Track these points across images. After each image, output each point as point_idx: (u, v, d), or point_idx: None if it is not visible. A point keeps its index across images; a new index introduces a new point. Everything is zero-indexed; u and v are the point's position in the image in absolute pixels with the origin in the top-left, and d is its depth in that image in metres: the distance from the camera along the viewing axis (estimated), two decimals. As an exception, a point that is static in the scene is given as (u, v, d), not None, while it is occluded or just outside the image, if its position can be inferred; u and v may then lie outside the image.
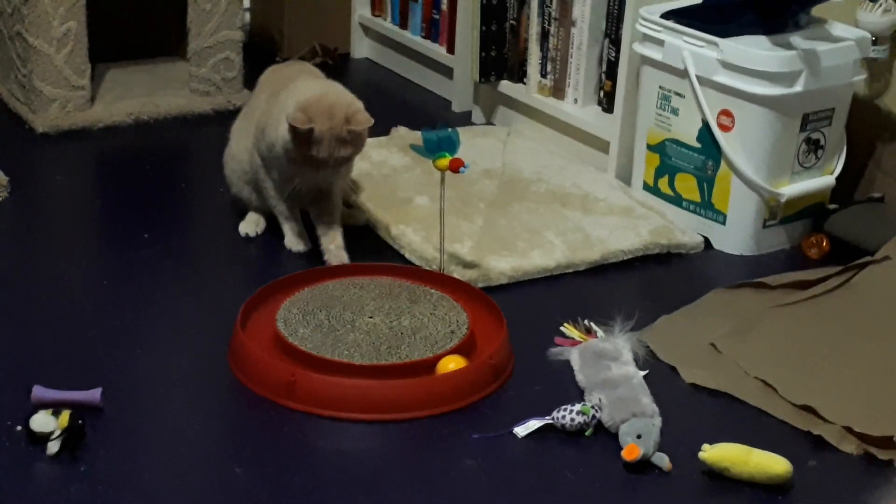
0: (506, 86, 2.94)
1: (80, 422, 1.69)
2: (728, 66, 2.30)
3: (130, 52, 3.14)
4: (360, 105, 2.15)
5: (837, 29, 2.41)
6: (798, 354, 1.99)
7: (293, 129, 2.09)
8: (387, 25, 3.35)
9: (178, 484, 1.66)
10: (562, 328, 2.03)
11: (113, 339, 1.99)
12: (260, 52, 3.37)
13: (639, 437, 1.73)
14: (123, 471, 1.67)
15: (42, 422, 1.69)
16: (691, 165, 2.43)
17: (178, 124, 2.93)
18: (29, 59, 2.80)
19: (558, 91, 2.83)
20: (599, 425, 1.79)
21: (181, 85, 3.01)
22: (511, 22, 2.91)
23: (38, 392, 1.77)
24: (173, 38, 3.13)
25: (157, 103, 2.94)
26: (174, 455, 1.72)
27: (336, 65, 3.37)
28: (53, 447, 1.68)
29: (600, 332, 1.99)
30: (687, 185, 2.45)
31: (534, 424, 1.79)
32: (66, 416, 1.69)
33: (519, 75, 2.93)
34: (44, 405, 1.74)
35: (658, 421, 1.77)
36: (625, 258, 2.32)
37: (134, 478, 1.66)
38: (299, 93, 2.15)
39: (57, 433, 1.68)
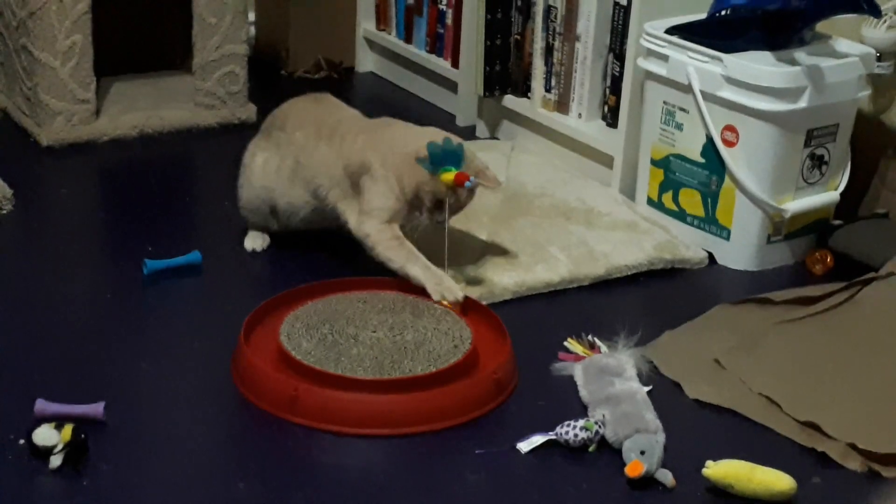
0: (510, 100, 2.95)
1: (82, 436, 1.69)
2: (732, 82, 2.31)
3: (135, 65, 3.15)
4: (484, 161, 2.17)
5: (842, 45, 2.41)
6: (802, 370, 1.99)
7: (460, 183, 2.05)
8: (391, 40, 3.36)
9: (181, 498, 1.65)
10: (565, 343, 2.03)
11: (116, 352, 1.99)
12: (265, 66, 3.38)
13: (642, 453, 1.72)
14: (126, 485, 1.66)
15: (45, 435, 1.68)
16: (695, 181, 2.43)
17: (182, 138, 2.93)
18: (34, 72, 2.80)
19: (562, 106, 2.83)
20: (603, 441, 1.79)
21: (186, 98, 3.02)
22: (515, 37, 2.92)
23: (41, 405, 1.77)
24: (178, 51, 3.14)
25: (162, 117, 2.95)
26: (177, 469, 1.71)
27: (341, 79, 3.38)
28: (56, 461, 1.67)
29: (604, 348, 1.99)
30: (691, 201, 2.45)
31: (537, 440, 1.78)
32: (68, 429, 1.68)
33: (523, 90, 2.93)
34: (46, 419, 1.74)
35: (662, 437, 1.77)
36: (629, 273, 2.32)
37: (136, 492, 1.65)
38: (425, 138, 2.11)
39: (59, 447, 1.68)
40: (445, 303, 2.06)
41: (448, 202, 2.12)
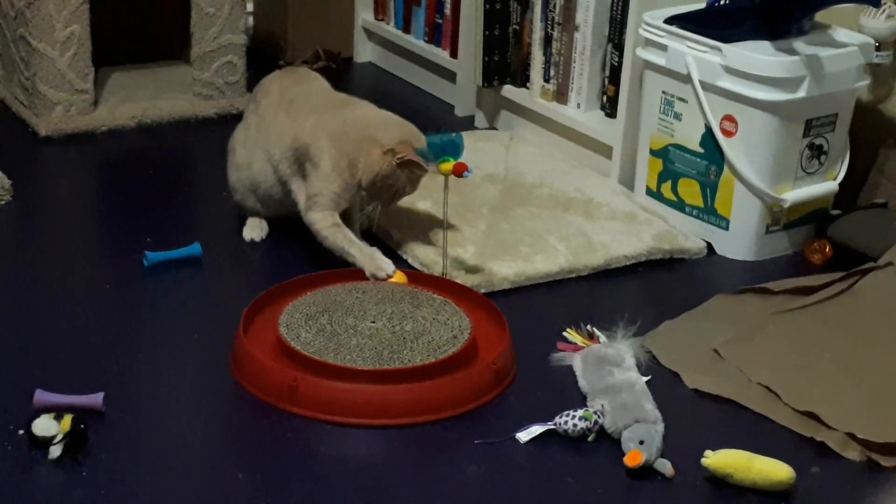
0: (509, 90, 2.94)
1: (82, 426, 1.69)
2: (731, 72, 2.30)
3: (134, 55, 3.14)
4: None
5: (841, 34, 2.41)
6: (801, 360, 1.99)
7: (402, 165, 2.10)
8: (390, 30, 3.35)
9: (180, 489, 1.66)
10: (564, 333, 2.03)
11: (115, 343, 1.99)
12: (263, 56, 3.37)
13: (641, 442, 1.72)
14: (125, 475, 1.66)
15: (44, 426, 1.69)
16: (694, 171, 2.43)
17: (181, 128, 2.93)
18: (32, 62, 2.80)
19: (561, 96, 2.83)
20: (602, 431, 1.79)
21: (184, 89, 3.01)
22: (514, 26, 2.92)
23: (41, 396, 1.77)
24: (177, 41, 3.13)
25: (161, 107, 2.94)
26: (176, 460, 1.71)
27: (339, 69, 3.37)
28: (55, 451, 1.68)
29: (603, 338, 1.99)
30: (690, 191, 2.45)
31: (536, 430, 1.78)
32: (68, 420, 1.69)
33: (522, 80, 2.93)
34: (46, 409, 1.74)
35: (661, 427, 1.77)
36: (628, 263, 2.32)
37: (136, 482, 1.66)
38: (389, 129, 2.15)
39: (59, 437, 1.68)
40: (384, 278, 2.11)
41: (402, 190, 2.16)
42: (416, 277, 2.16)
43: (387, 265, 2.12)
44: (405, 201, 2.43)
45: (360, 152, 2.15)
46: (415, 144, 2.14)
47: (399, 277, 2.11)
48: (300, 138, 2.20)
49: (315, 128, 2.19)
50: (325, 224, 2.17)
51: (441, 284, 2.13)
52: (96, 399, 1.78)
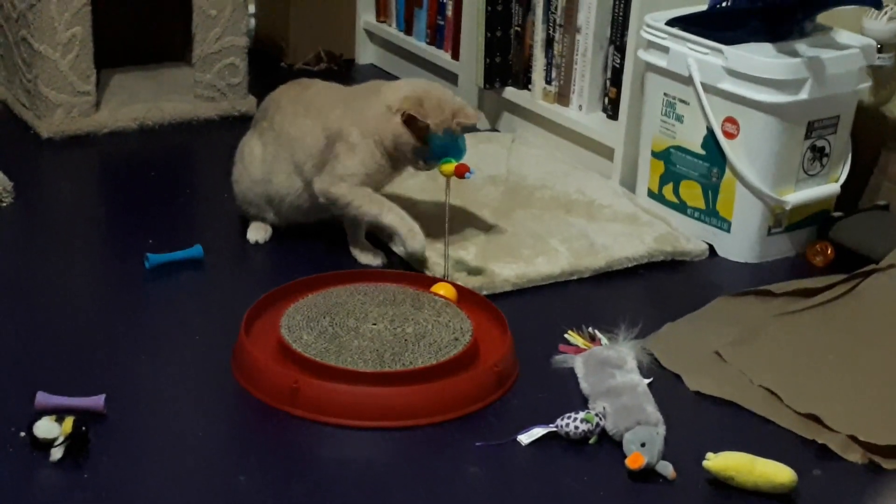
0: (510, 92, 2.94)
1: (83, 428, 1.69)
2: (733, 74, 2.30)
3: (135, 57, 3.14)
4: (462, 100, 2.20)
5: (843, 36, 2.41)
6: (803, 363, 1.99)
7: (409, 123, 2.12)
8: (392, 31, 3.35)
9: (182, 491, 1.66)
10: (566, 336, 2.03)
11: (117, 345, 1.99)
12: (265, 58, 3.37)
13: (643, 445, 1.72)
14: (126, 478, 1.66)
15: (45, 428, 1.68)
16: (696, 173, 2.43)
17: (182, 130, 2.93)
18: (34, 64, 2.80)
19: (563, 98, 2.82)
20: (603, 433, 1.79)
21: (186, 90, 3.01)
22: (516, 28, 2.92)
23: (42, 398, 1.77)
24: (178, 43, 3.13)
25: (162, 109, 2.94)
26: (177, 462, 1.71)
27: (341, 71, 3.37)
28: (57, 453, 1.68)
29: (604, 340, 1.99)
30: (692, 193, 2.44)
31: (538, 432, 1.78)
32: (69, 422, 1.68)
33: (524, 82, 2.93)
34: (47, 411, 1.74)
35: (662, 429, 1.77)
36: (629, 265, 2.32)
37: (137, 485, 1.65)
38: (399, 90, 2.18)
39: (60, 439, 1.68)
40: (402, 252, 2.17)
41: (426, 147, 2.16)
42: (418, 279, 2.16)
43: (421, 237, 2.15)
44: (406, 202, 2.44)
45: (379, 124, 2.16)
46: (423, 99, 2.14)
47: (448, 291, 2.07)
48: (329, 126, 2.20)
49: (342, 116, 2.20)
50: (358, 193, 2.17)
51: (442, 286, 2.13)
52: (98, 401, 1.78)
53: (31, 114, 2.87)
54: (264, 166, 2.30)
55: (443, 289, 2.08)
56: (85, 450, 1.69)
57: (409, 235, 2.16)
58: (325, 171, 2.21)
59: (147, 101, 2.96)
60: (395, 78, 3.33)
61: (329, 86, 2.34)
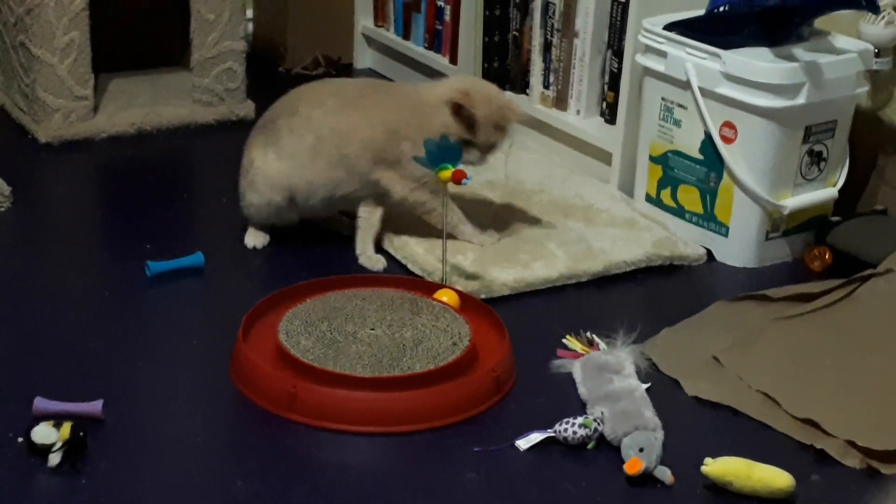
0: (509, 97, 2.94)
1: (81, 434, 1.69)
2: (731, 78, 2.30)
3: (133, 62, 3.14)
4: (509, 97, 2.26)
5: (840, 41, 2.41)
6: (801, 368, 1.99)
7: (458, 113, 2.18)
8: (390, 36, 3.36)
9: (180, 496, 1.65)
10: (564, 340, 2.03)
11: (115, 350, 1.99)
12: (263, 63, 3.37)
13: (641, 450, 1.72)
14: (125, 483, 1.66)
15: (43, 433, 1.68)
16: (694, 177, 2.43)
17: (180, 134, 2.93)
18: (32, 69, 2.80)
19: (561, 102, 2.83)
20: (602, 438, 1.79)
21: (184, 95, 3.01)
22: (514, 33, 2.92)
23: (40, 403, 1.77)
24: (176, 48, 3.13)
25: (160, 113, 2.94)
26: (175, 467, 1.71)
27: (339, 75, 3.37)
28: (55, 459, 1.67)
29: (602, 345, 1.99)
30: (689, 197, 2.45)
31: (536, 437, 1.78)
32: (67, 427, 1.68)
33: (522, 86, 2.93)
34: (45, 417, 1.73)
35: (660, 434, 1.77)
36: (627, 270, 2.32)
37: (135, 490, 1.65)
38: (449, 85, 2.27)
39: (58, 445, 1.68)
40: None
41: (475, 141, 2.22)
42: (416, 284, 2.16)
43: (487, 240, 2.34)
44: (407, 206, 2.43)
45: (427, 121, 2.22)
46: (471, 91, 2.20)
47: (451, 298, 2.08)
48: (389, 120, 2.24)
49: (398, 112, 2.25)
50: (438, 201, 2.24)
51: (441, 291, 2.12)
52: (96, 406, 1.78)
53: (28, 118, 2.87)
54: (290, 162, 2.28)
55: (446, 295, 2.08)
56: (83, 455, 1.69)
57: (481, 241, 2.33)
58: (396, 173, 2.25)
59: (145, 105, 2.96)
60: (394, 82, 3.35)
61: (367, 82, 2.39)
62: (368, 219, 2.31)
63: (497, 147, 2.28)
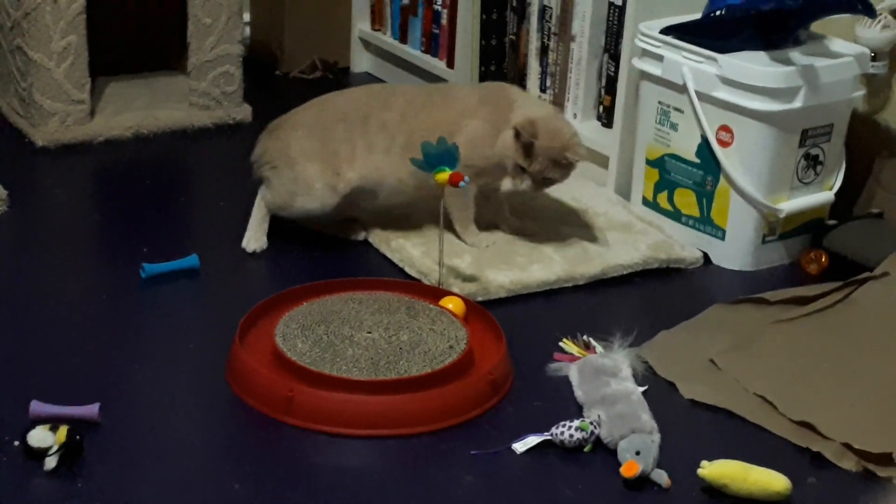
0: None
1: (77, 437, 1.69)
2: (727, 82, 2.31)
3: (130, 65, 3.15)
4: (579, 137, 2.27)
5: (836, 45, 2.41)
6: (797, 371, 1.99)
7: (517, 138, 2.19)
8: (387, 40, 3.36)
9: (176, 500, 1.65)
10: (561, 343, 2.03)
11: (111, 353, 1.99)
12: (260, 67, 3.37)
13: (638, 453, 1.72)
14: (121, 486, 1.66)
15: (40, 437, 1.68)
16: (690, 181, 2.43)
17: (177, 138, 2.93)
18: (29, 72, 2.80)
19: (558, 106, 2.83)
20: (598, 441, 1.79)
21: (181, 99, 3.01)
22: (511, 37, 2.92)
23: (36, 407, 1.77)
24: (173, 51, 3.13)
25: (157, 117, 2.94)
26: (172, 471, 1.71)
27: (336, 79, 3.38)
28: (51, 462, 1.67)
29: (599, 348, 1.99)
30: (686, 201, 2.45)
31: (532, 440, 1.78)
32: (63, 431, 1.68)
33: (518, 90, 2.93)
34: (42, 420, 1.73)
35: (657, 437, 1.77)
36: (624, 273, 2.32)
37: (132, 493, 1.65)
38: (530, 109, 2.30)
39: (55, 448, 1.67)
40: None
41: (529, 170, 2.22)
42: (412, 287, 2.16)
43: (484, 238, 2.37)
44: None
45: (505, 136, 2.27)
46: (539, 122, 2.22)
47: (456, 305, 2.07)
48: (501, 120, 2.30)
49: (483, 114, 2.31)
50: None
51: (437, 294, 2.13)
52: (92, 410, 1.78)
53: (25, 122, 2.87)
54: (384, 157, 2.29)
55: (451, 303, 2.07)
56: (79, 459, 1.69)
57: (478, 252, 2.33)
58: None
59: (142, 109, 2.96)
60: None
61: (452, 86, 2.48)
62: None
63: (553, 183, 2.28)
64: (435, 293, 2.13)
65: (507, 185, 2.27)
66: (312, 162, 2.30)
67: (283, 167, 2.32)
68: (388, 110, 2.33)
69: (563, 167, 2.24)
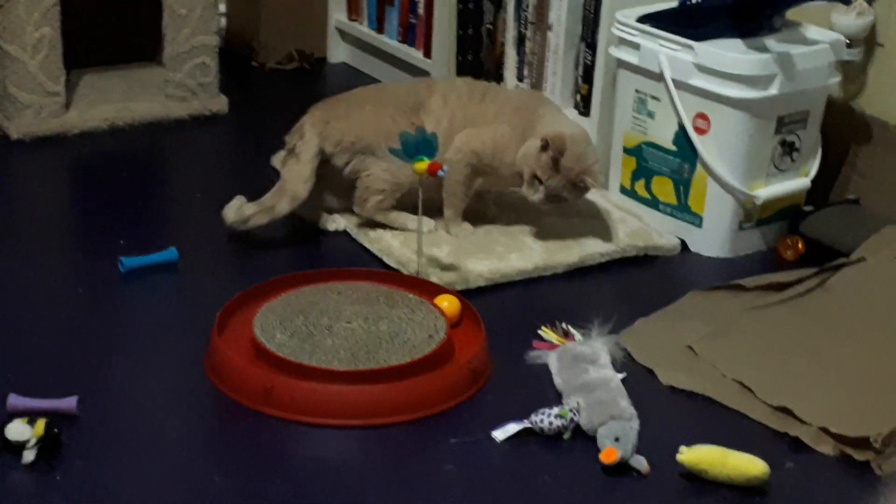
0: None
1: (55, 430, 1.68)
2: (703, 70, 2.31)
3: (105, 57, 3.13)
4: (599, 164, 2.28)
5: (812, 32, 2.42)
6: (774, 356, 2.00)
7: (544, 149, 2.20)
8: (363, 30, 3.35)
9: (156, 492, 1.65)
10: (540, 332, 2.04)
11: (89, 346, 1.98)
12: (236, 58, 3.36)
13: (617, 439, 1.73)
14: (100, 479, 1.66)
15: (17, 430, 1.67)
16: (668, 168, 2.44)
17: (153, 130, 2.92)
18: (3, 65, 2.78)
19: (535, 95, 2.83)
20: (578, 428, 1.79)
21: (157, 90, 3.00)
22: (487, 26, 2.92)
23: (14, 400, 1.76)
24: (149, 43, 3.11)
25: (133, 109, 2.93)
26: (151, 463, 1.71)
27: (313, 70, 3.37)
28: (29, 456, 1.66)
29: (578, 336, 2.00)
30: (663, 189, 2.46)
31: (512, 428, 1.79)
32: (41, 424, 1.67)
33: (496, 79, 2.93)
34: (19, 413, 1.72)
35: (636, 423, 1.77)
36: (602, 261, 2.33)
37: (111, 486, 1.65)
38: (558, 122, 2.32)
39: (32, 442, 1.67)
40: None
41: (545, 182, 2.23)
42: (391, 277, 2.16)
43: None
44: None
45: (531, 143, 2.29)
46: (568, 142, 2.22)
47: (451, 304, 2.05)
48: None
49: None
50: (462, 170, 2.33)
51: (416, 284, 2.13)
52: (70, 403, 1.77)
53: (0, 115, 2.85)
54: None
55: (446, 300, 2.05)
56: (58, 452, 1.68)
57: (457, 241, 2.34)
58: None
59: (117, 101, 2.95)
60: (369, 77, 3.34)
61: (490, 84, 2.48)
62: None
63: (563, 201, 2.28)
64: (414, 282, 2.13)
65: (526, 193, 2.27)
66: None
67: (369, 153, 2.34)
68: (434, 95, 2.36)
69: (578, 190, 2.25)
